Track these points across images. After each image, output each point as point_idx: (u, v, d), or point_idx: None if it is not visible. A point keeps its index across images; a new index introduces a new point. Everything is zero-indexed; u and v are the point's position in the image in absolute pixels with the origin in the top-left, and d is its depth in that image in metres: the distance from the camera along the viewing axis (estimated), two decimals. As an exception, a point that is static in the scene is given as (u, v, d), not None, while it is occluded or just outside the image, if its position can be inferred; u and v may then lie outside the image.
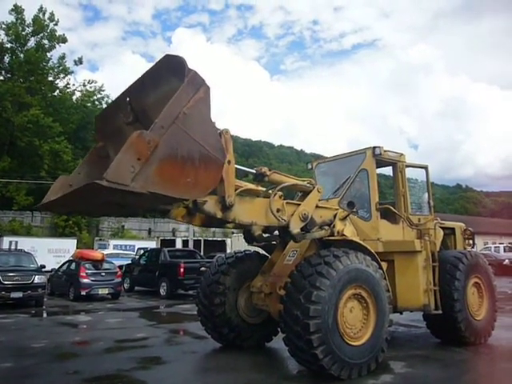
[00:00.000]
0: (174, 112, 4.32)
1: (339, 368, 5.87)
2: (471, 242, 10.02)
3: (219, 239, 37.00)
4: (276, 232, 7.67)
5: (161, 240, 35.64)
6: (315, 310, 5.76)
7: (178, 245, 33.68)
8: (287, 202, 6.76)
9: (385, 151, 8.22)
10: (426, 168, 9.04)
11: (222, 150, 4.90)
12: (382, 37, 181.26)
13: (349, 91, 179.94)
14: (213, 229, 49.29)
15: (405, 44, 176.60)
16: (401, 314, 8.85)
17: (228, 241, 33.88)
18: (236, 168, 6.30)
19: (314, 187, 7.26)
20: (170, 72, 4.74)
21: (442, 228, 9.13)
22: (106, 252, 26.71)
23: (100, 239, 37.31)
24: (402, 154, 8.61)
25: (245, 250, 8.73)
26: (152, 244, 34.00)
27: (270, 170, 7.05)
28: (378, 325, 6.45)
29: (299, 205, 6.94)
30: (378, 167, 8.47)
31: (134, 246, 34.51)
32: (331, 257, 6.22)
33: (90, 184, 4.02)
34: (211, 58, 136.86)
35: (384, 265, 7.24)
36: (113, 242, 35.89)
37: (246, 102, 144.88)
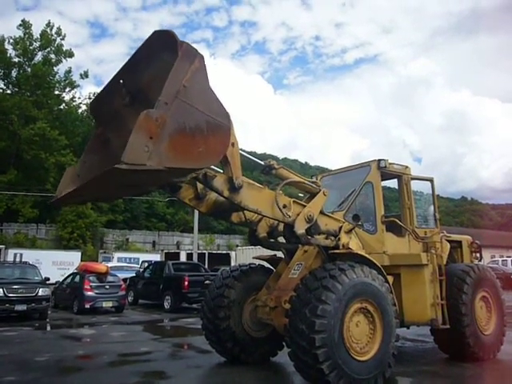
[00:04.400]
0: (174, 87, 4.38)
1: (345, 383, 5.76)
2: (478, 255, 9.91)
3: (224, 252, 36.96)
4: (280, 239, 7.64)
5: (165, 253, 35.63)
6: (321, 324, 5.69)
7: (183, 258, 33.65)
8: (294, 201, 6.72)
9: (390, 164, 8.19)
10: (431, 180, 9.00)
11: (227, 114, 4.90)
12: (383, 52, 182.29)
13: (351, 105, 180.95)
14: (217, 242, 49.33)
15: (405, 59, 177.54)
16: (407, 328, 8.71)
17: (233, 254, 33.79)
18: (245, 158, 6.37)
19: (320, 189, 7.23)
20: (162, 48, 4.74)
21: (449, 241, 9.04)
22: (110, 265, 26.67)
23: (104, 252, 37.34)
24: (407, 167, 8.57)
25: (250, 263, 8.68)
26: (156, 257, 33.98)
27: (278, 165, 7.03)
28: (385, 339, 6.35)
29: (305, 206, 6.89)
30: (383, 180, 8.43)
31: (138, 258, 34.43)
32: (336, 270, 6.15)
33: (110, 170, 4.05)
34: (215, 73, 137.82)
35: (390, 278, 7.16)
36: (117, 255, 35.90)
37: (251, 115, 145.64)
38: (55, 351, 9.13)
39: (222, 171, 6.19)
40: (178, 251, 39.25)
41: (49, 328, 13.39)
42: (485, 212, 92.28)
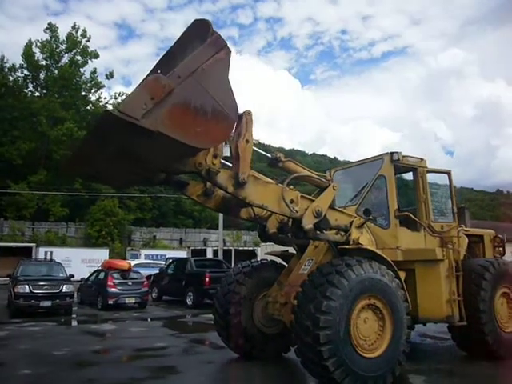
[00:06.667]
0: (192, 66, 4.45)
1: (352, 381, 5.65)
2: (501, 249, 9.56)
3: (250, 248, 36.93)
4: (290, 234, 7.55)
5: (192, 250, 35.93)
6: (326, 321, 5.59)
7: (209, 254, 33.83)
8: (302, 196, 6.62)
9: (403, 156, 7.97)
10: (448, 173, 8.73)
11: (236, 109, 4.91)
12: (413, 44, 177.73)
13: (380, 99, 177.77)
14: (244, 238, 49.40)
15: (436, 50, 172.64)
16: (424, 325, 8.54)
17: (258, 250, 33.78)
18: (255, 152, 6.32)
19: (329, 184, 7.09)
20: (196, 36, 4.87)
21: (469, 235, 8.76)
22: (136, 262, 27.14)
23: (132, 249, 37.91)
24: (422, 159, 8.33)
25: (261, 259, 8.65)
26: (183, 254, 34.29)
27: (285, 158, 6.92)
28: (395, 336, 6.19)
29: (313, 201, 6.78)
30: (397, 173, 8.24)
31: (165, 255, 34.73)
32: (343, 266, 6.04)
33: (103, 115, 4.25)
34: (242, 69, 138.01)
35: (402, 274, 6.99)
36: (144, 252, 36.33)
37: (278, 111, 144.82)
38: (73, 346, 9.33)
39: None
40: (204, 248, 39.48)
41: (72, 323, 13.73)
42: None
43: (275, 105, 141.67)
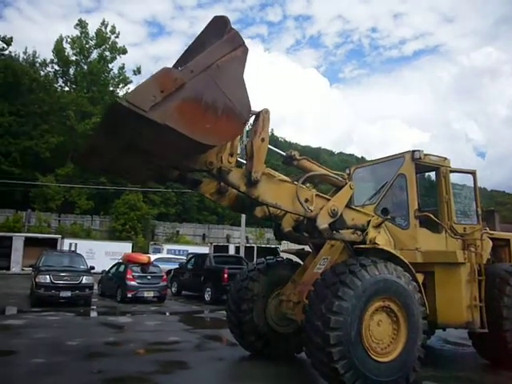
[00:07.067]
0: (206, 61, 4.41)
1: (362, 385, 5.46)
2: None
3: (272, 246, 36.82)
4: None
5: (214, 246, 36.06)
6: (336, 321, 5.42)
7: (231, 251, 33.96)
8: (317, 195, 6.44)
9: (425, 155, 7.70)
10: (473, 173, 8.37)
11: (249, 108, 4.83)
12: (445, 42, 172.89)
13: (410, 98, 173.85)
14: (267, 236, 49.28)
15: (468, 49, 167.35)
16: (443, 330, 8.24)
17: (280, 248, 33.63)
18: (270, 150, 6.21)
19: (346, 182, 6.89)
20: (215, 32, 4.84)
21: (494, 239, 8.39)
22: (158, 256, 27.37)
23: (155, 243, 38.30)
24: (445, 159, 8.02)
25: (276, 257, 8.50)
26: (205, 249, 34.40)
27: (300, 156, 6.75)
28: (410, 341, 5.96)
29: (329, 200, 6.60)
30: (419, 172, 7.98)
31: (187, 250, 35.01)
32: (357, 266, 5.84)
33: (111, 105, 4.31)
34: (270, 67, 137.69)
35: (420, 276, 6.75)
36: (167, 247, 36.62)
37: (306, 109, 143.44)
38: (88, 337, 9.42)
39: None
40: (226, 244, 39.64)
41: (90, 315, 13.90)
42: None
43: (303, 103, 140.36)
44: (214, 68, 4.42)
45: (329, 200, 6.58)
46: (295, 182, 6.40)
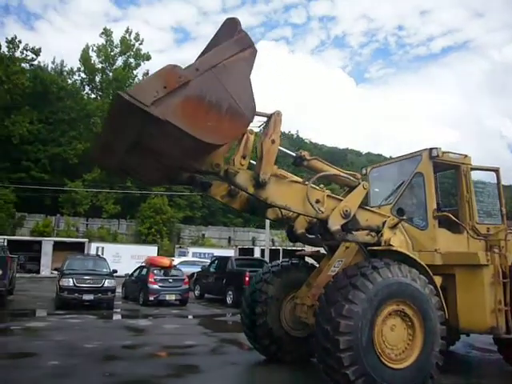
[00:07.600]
0: (213, 60, 4.45)
1: (375, 393, 5.24)
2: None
3: (298, 249, 36.41)
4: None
5: (239, 248, 36.05)
6: (346, 326, 5.22)
7: (257, 253, 33.87)
8: (328, 196, 6.29)
9: (444, 153, 7.39)
10: (496, 171, 8.00)
11: (253, 110, 4.81)
12: (475, 38, 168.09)
13: (439, 96, 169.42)
14: (292, 239, 49.09)
15: (500, 44, 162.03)
16: (467, 335, 7.87)
17: (306, 249, 33.33)
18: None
19: (359, 182, 6.69)
20: (226, 34, 4.88)
21: (519, 239, 7.98)
22: (182, 259, 27.53)
23: (180, 247, 38.59)
24: (466, 156, 7.68)
25: (291, 259, 8.34)
26: (230, 252, 34.46)
27: (310, 156, 6.60)
28: (426, 347, 5.69)
29: (341, 200, 6.41)
30: (438, 171, 7.70)
31: (212, 254, 35.11)
32: (369, 268, 5.63)
33: (115, 96, 4.40)
34: (295, 68, 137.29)
35: (438, 279, 6.46)
36: (192, 250, 36.85)
37: (333, 109, 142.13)
38: (106, 339, 9.47)
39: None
40: (252, 247, 39.55)
41: (111, 318, 14.00)
42: None
43: (329, 104, 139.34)
44: (220, 67, 4.44)
45: (341, 201, 6.40)
46: (306, 183, 6.26)
